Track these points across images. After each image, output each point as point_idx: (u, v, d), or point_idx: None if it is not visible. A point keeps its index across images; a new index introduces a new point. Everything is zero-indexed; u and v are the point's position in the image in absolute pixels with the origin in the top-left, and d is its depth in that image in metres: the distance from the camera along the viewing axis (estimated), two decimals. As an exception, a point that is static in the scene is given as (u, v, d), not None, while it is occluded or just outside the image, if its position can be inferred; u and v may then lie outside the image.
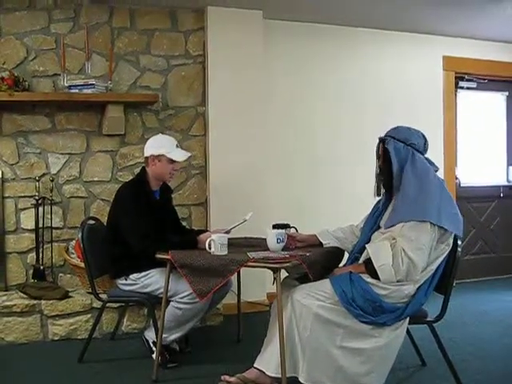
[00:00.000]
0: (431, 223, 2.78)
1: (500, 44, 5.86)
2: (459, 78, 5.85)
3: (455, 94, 5.85)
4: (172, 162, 3.55)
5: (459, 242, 2.96)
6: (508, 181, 6.23)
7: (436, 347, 3.08)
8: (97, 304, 3.92)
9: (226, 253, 3.08)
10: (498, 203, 6.18)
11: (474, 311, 4.77)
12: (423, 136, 3.04)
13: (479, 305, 5.02)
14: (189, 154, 3.69)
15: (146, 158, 3.58)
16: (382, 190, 3.14)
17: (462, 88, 5.90)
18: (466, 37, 5.65)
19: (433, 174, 2.96)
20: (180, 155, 3.59)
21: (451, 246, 2.91)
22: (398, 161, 2.93)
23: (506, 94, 6.18)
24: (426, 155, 3.03)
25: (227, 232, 3.42)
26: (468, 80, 5.90)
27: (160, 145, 3.56)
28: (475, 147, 6.04)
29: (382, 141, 3.04)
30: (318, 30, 5.16)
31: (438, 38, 5.60)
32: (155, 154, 3.53)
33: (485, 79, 5.96)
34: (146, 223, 3.36)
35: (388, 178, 3.01)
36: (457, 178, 5.88)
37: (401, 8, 4.78)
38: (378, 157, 3.09)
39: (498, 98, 6.18)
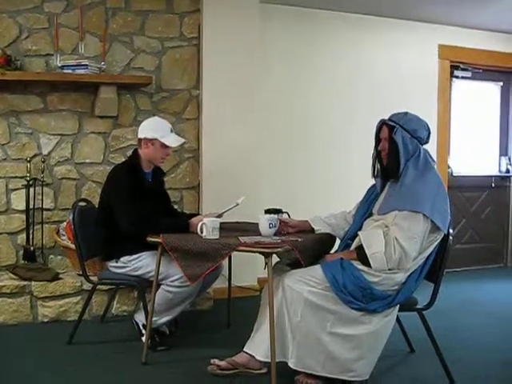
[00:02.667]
0: (424, 215, 2.78)
1: (496, 34, 5.85)
2: (454, 66, 5.84)
3: (450, 83, 5.84)
4: (165, 146, 3.53)
5: (451, 231, 2.97)
6: (500, 171, 6.26)
7: (425, 335, 3.09)
8: (87, 286, 3.91)
9: (217, 237, 3.07)
10: (490, 193, 6.21)
11: (463, 300, 4.79)
12: (428, 128, 3.01)
13: (469, 293, 5.05)
14: (182, 140, 3.67)
15: (140, 139, 3.56)
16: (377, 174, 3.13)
17: (456, 77, 5.90)
18: (462, 26, 5.64)
19: (433, 170, 2.95)
20: (173, 141, 3.57)
21: (442, 235, 2.91)
22: (405, 153, 2.90)
23: (501, 84, 6.18)
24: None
25: (219, 216, 3.42)
26: (463, 69, 5.89)
27: (155, 128, 3.54)
28: (468, 137, 6.05)
29: (386, 125, 2.97)
30: (314, 15, 5.13)
31: (434, 27, 5.59)
32: (149, 137, 3.50)
33: (480, 69, 5.95)
34: (138, 206, 3.34)
35: (389, 165, 2.98)
36: (449, 167, 5.89)
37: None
38: (379, 139, 3.04)
39: (493, 88, 6.18)
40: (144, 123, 3.61)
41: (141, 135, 3.55)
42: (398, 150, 2.90)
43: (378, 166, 3.12)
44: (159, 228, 3.21)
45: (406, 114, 3.00)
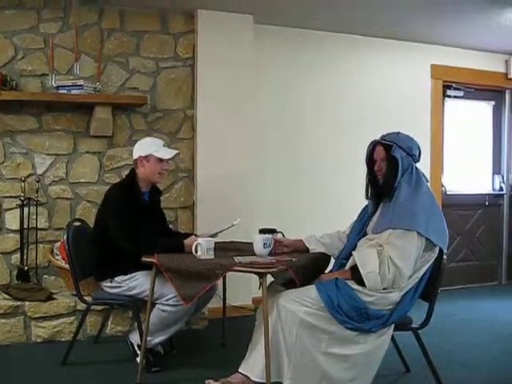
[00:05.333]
0: (418, 233, 2.79)
1: (487, 54, 5.91)
2: (447, 86, 5.89)
3: (442, 103, 5.89)
4: (160, 161, 3.55)
5: (445, 250, 2.98)
6: (493, 189, 6.29)
7: (420, 354, 3.10)
8: (81, 306, 3.89)
9: (212, 257, 3.07)
10: (483, 211, 6.23)
11: (458, 318, 4.79)
12: (419, 147, 3.05)
13: (464, 312, 5.05)
14: (176, 151, 3.68)
15: (135, 160, 3.58)
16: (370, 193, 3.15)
17: (449, 96, 5.94)
18: (454, 46, 5.70)
19: (426, 187, 2.97)
20: (167, 153, 3.59)
21: (437, 254, 2.92)
22: (402, 172, 2.93)
23: (493, 103, 6.23)
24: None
25: (213, 235, 3.42)
26: (455, 89, 5.93)
27: (147, 146, 3.58)
28: (461, 155, 6.08)
29: (382, 144, 3.01)
30: (308, 35, 5.17)
31: (427, 47, 5.64)
32: (143, 154, 3.53)
33: (472, 88, 6.00)
34: (135, 225, 3.34)
35: (386, 184, 2.99)
36: (443, 186, 5.91)
37: (390, 16, 4.80)
38: (373, 160, 3.06)
39: (485, 107, 6.23)
40: (137, 144, 3.65)
41: (135, 156, 3.57)
42: (397, 167, 2.92)
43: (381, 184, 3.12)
44: (155, 248, 3.21)
45: (398, 133, 3.04)
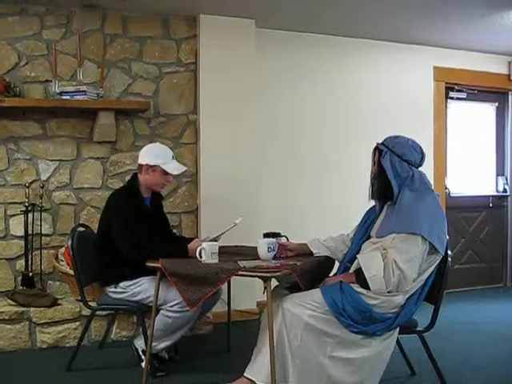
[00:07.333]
0: (422, 237, 2.79)
1: (490, 55, 5.91)
2: (449, 88, 5.88)
3: (445, 104, 5.88)
4: (166, 173, 3.54)
5: (449, 252, 2.98)
6: (497, 191, 6.28)
7: (425, 357, 3.09)
8: (86, 312, 3.89)
9: (216, 261, 3.07)
10: (487, 213, 6.22)
11: (463, 321, 4.78)
12: (421, 151, 3.03)
13: (468, 314, 5.04)
14: (184, 169, 3.66)
15: (141, 165, 3.56)
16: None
17: (452, 98, 5.94)
18: (456, 48, 5.69)
19: (430, 192, 2.97)
20: (175, 168, 3.58)
21: (441, 256, 2.92)
22: (395, 176, 2.93)
23: (496, 104, 6.22)
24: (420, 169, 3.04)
25: (217, 238, 3.42)
26: (458, 90, 5.93)
27: (156, 155, 3.54)
28: (465, 157, 6.08)
29: (378, 149, 3.04)
30: (311, 39, 5.18)
31: (429, 49, 5.64)
32: (150, 163, 3.50)
33: (474, 90, 6.00)
34: (137, 230, 3.34)
35: (381, 188, 3.02)
36: (446, 188, 5.91)
37: (392, 18, 4.81)
38: (374, 163, 3.09)
39: (488, 109, 6.22)
40: (145, 149, 3.61)
41: (142, 161, 3.55)
42: (385, 173, 2.94)
43: (376, 187, 3.13)
44: (159, 253, 3.21)
45: (396, 137, 3.04)
